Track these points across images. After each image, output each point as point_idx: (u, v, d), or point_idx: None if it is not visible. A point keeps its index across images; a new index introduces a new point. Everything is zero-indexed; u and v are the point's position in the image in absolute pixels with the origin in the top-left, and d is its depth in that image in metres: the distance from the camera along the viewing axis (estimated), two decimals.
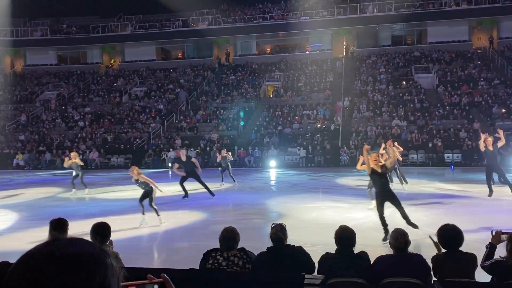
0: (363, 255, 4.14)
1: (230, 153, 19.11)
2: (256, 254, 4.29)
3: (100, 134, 31.53)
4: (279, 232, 4.30)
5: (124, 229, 9.24)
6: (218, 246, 4.28)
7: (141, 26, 40.28)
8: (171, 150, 28.09)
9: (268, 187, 17.54)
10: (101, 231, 4.50)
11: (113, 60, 42.67)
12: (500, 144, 12.52)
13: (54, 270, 0.86)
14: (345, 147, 26.51)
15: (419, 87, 31.82)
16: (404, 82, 32.74)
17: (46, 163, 29.00)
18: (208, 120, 31.83)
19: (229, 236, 4.21)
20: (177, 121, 32.47)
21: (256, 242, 7.38)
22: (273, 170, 24.85)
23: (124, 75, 39.85)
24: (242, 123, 30.52)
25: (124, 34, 40.45)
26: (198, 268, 4.09)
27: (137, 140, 30.32)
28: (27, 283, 0.86)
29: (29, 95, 38.47)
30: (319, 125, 29.28)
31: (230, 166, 17.70)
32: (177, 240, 8.69)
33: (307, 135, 28.17)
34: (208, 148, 28.28)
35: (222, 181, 17.40)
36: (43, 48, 41.80)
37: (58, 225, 4.62)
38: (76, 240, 0.94)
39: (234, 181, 17.23)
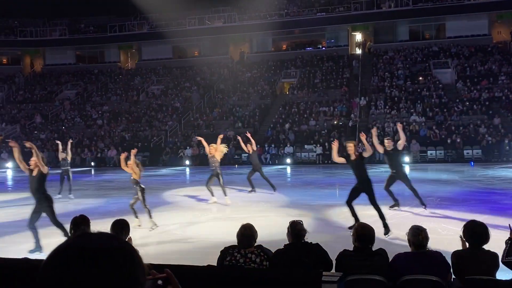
0: (381, 252, 4.10)
1: (223, 146, 13.74)
2: (273, 251, 4.30)
3: (118, 132, 31.89)
4: (296, 229, 4.29)
5: (142, 226, 9.33)
6: (235, 243, 4.29)
7: (158, 24, 40.51)
8: (188, 147, 28.26)
9: (284, 184, 17.51)
10: (121, 227, 4.56)
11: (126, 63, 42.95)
12: (400, 143, 10.72)
13: (86, 263, 0.88)
14: (363, 144, 26.30)
15: (437, 82, 31.37)
16: (422, 78, 32.32)
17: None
18: (224, 118, 31.91)
19: (247, 233, 4.22)
20: (193, 119, 32.64)
21: (273, 240, 7.39)
22: (289, 167, 24.81)
23: (141, 73, 40.18)
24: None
25: (140, 33, 40.76)
26: (215, 264, 4.11)
27: (155, 138, 30.58)
28: (60, 277, 0.87)
29: (49, 94, 39.09)
30: (335, 122, 29.11)
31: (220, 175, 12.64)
32: (194, 236, 8.74)
33: (323, 132, 28.03)
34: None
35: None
36: (61, 48, 42.36)
37: (81, 222, 4.70)
38: (105, 235, 0.97)
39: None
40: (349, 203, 8.44)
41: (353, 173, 8.76)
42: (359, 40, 39.01)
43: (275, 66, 37.49)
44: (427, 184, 16.24)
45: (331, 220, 9.83)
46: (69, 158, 13.75)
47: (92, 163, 28.32)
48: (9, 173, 25.88)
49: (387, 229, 8.08)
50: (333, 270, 4.06)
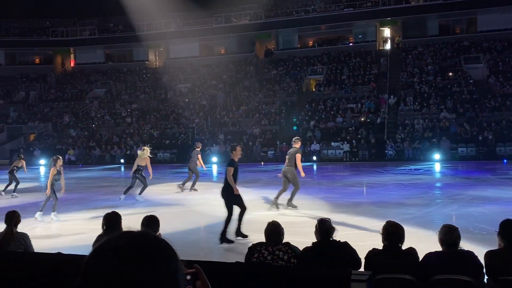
0: (411, 251, 4.04)
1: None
2: (300, 249, 4.29)
3: (146, 129, 32.39)
4: (324, 227, 4.26)
5: (171, 222, 9.44)
6: (262, 240, 4.30)
7: (185, 23, 40.85)
8: (214, 145, 28.45)
9: (311, 182, 17.42)
10: (151, 224, 4.63)
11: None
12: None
13: (131, 262, 0.89)
14: (391, 141, 25.93)
15: (468, 78, 30.60)
16: (452, 73, 31.58)
17: (95, 158, 30.13)
18: (250, 115, 31.97)
19: (275, 231, 4.23)
20: (219, 117, 32.83)
21: (300, 237, 7.37)
22: (316, 164, 24.67)
23: (169, 72, 40.64)
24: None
25: (168, 31, 41.18)
26: (243, 261, 4.13)
27: (182, 135, 30.91)
28: (105, 275, 0.88)
29: (79, 93, 39.99)
30: (363, 119, 28.75)
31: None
32: (219, 233, 8.78)
33: (350, 129, 27.75)
34: (250, 143, 28.43)
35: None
36: (91, 47, 43.24)
37: (113, 218, 4.80)
38: (147, 234, 0.97)
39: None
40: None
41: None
42: (387, 36, 38.38)
43: (301, 63, 37.30)
44: (458, 182, 15.90)
45: (359, 218, 9.72)
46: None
47: (122, 160, 28.82)
48: (42, 170, 26.62)
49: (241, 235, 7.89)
50: (361, 269, 4.03)
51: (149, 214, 4.88)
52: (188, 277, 1.14)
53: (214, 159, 26.85)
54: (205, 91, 36.25)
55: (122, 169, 25.82)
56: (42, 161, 28.87)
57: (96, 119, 35.37)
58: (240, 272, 3.15)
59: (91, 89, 40.25)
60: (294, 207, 10.67)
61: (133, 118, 34.37)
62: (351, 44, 38.82)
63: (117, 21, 44.72)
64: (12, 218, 5.11)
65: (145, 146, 13.71)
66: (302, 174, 10.64)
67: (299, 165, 10.56)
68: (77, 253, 4.04)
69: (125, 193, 12.58)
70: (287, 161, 10.61)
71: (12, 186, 14.58)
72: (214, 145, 28.50)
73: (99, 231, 5.00)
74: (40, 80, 42.41)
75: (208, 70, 39.69)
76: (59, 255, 4.05)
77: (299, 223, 9.09)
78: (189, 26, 40.34)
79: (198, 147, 15.14)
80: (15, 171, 14.73)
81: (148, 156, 12.64)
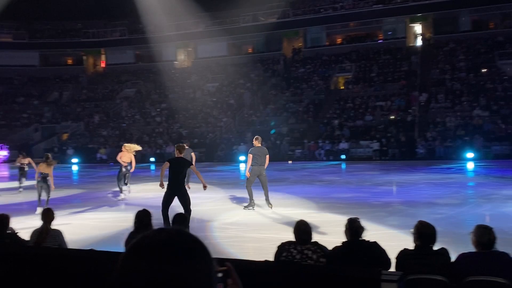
0: (443, 251, 3.96)
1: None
2: (329, 248, 4.26)
3: (175, 129, 32.80)
4: (354, 226, 4.22)
5: (201, 219, 9.53)
6: (290, 239, 4.29)
7: (213, 23, 41.11)
8: (241, 143, 28.56)
9: (339, 181, 17.28)
10: (181, 221, 4.70)
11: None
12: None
13: (168, 259, 0.90)
14: (422, 139, 25.43)
15: (502, 74, 29.68)
16: (485, 69, 30.69)
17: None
18: (277, 114, 31.93)
19: (304, 229, 4.21)
20: (247, 115, 32.91)
21: (328, 237, 7.33)
22: (345, 163, 24.44)
23: (197, 71, 41.01)
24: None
25: (196, 31, 41.54)
26: (272, 260, 4.14)
27: (210, 134, 31.15)
28: (141, 272, 0.89)
29: (110, 93, 40.82)
30: (393, 117, 28.28)
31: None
32: (249, 232, 8.82)
33: (380, 127, 27.35)
34: (278, 142, 28.39)
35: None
36: (121, 47, 44.06)
37: (145, 216, 4.90)
38: (182, 231, 0.99)
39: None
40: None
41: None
42: (417, 32, 37.63)
43: (329, 61, 37.00)
44: (492, 181, 15.47)
45: (388, 218, 9.58)
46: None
47: (152, 159, 29.28)
48: (75, 168, 27.32)
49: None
50: (391, 269, 3.97)
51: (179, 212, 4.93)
52: (220, 274, 1.16)
53: (242, 157, 26.94)
54: (233, 90, 36.41)
55: (152, 167, 26.22)
56: (75, 160, 29.64)
57: (126, 119, 36.04)
58: (269, 270, 3.16)
59: (122, 89, 41.01)
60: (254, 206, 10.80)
61: (162, 117, 34.86)
62: (380, 41, 38.23)
63: (146, 22, 45.39)
64: (47, 215, 5.28)
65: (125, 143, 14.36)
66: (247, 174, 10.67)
67: (267, 163, 10.61)
68: (109, 250, 4.13)
69: (121, 191, 13.26)
70: (260, 159, 10.45)
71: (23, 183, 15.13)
72: (241, 144, 28.60)
73: (130, 228, 5.09)
74: (73, 80, 43.51)
75: (235, 69, 39.84)
76: (91, 251, 4.15)
77: (328, 222, 9.03)
78: (217, 25, 40.57)
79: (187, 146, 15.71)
80: (24, 168, 15.26)
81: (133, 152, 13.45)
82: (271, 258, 4.26)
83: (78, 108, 39.36)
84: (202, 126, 32.44)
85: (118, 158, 13.40)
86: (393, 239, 7.15)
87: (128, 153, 13.31)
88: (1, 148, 32.18)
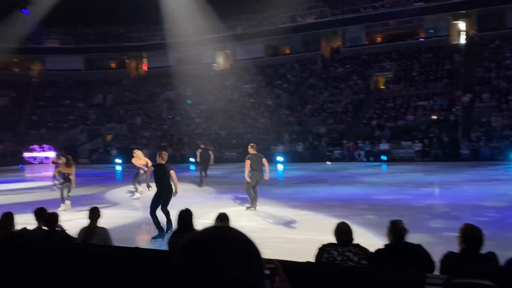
0: (491, 255, 3.83)
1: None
2: (371, 250, 4.21)
3: (214, 130, 33.20)
4: (397, 229, 4.15)
5: (239, 220, 9.60)
6: (330, 241, 4.27)
7: (250, 24, 41.33)
8: (279, 144, 28.56)
9: (380, 183, 16.97)
10: (224, 219, 4.79)
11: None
12: None
13: (223, 253, 0.94)
14: (466, 140, 24.62)
15: None
16: None
17: (168, 158, 31.33)
18: (315, 114, 31.72)
19: (345, 231, 4.18)
20: (284, 116, 32.87)
21: (369, 239, 7.22)
22: (385, 164, 23.99)
23: (235, 73, 41.33)
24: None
25: (234, 34, 41.86)
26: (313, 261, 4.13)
27: (248, 135, 31.32)
28: (200, 265, 0.94)
29: (151, 95, 41.78)
30: (435, 116, 27.52)
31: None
32: (287, 233, 8.82)
33: (421, 127, 26.68)
34: (316, 142, 28.21)
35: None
36: (162, 51, 44.90)
37: (187, 215, 5.02)
38: (234, 229, 1.04)
39: None
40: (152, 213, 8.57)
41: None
42: (461, 29, 36.44)
43: (369, 60, 36.42)
44: None
45: (431, 221, 9.34)
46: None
47: (192, 159, 29.70)
48: (118, 168, 28.11)
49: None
50: (435, 272, 3.88)
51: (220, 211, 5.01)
52: (267, 272, 1.18)
53: (280, 158, 26.94)
54: (270, 91, 36.47)
55: (192, 167, 26.61)
56: (118, 160, 30.50)
57: (167, 120, 36.78)
58: (310, 271, 3.16)
59: (163, 92, 41.86)
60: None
61: (201, 119, 35.36)
62: (421, 39, 37.27)
63: (186, 25, 46.16)
64: (94, 213, 5.49)
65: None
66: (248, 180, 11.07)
67: (267, 167, 11.23)
68: (152, 248, 4.24)
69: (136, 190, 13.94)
70: (259, 165, 11.07)
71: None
72: (279, 144, 28.60)
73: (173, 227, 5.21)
74: (116, 84, 44.80)
75: (273, 70, 39.90)
76: (136, 249, 4.27)
77: (369, 224, 8.90)
78: (254, 27, 40.75)
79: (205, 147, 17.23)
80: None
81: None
82: (311, 259, 4.26)
83: (121, 111, 40.50)
84: (240, 127, 32.66)
85: (133, 161, 14.10)
86: (436, 242, 6.97)
87: (140, 159, 13.93)
88: (48, 149, 33.52)
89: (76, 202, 12.07)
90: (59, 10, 36.85)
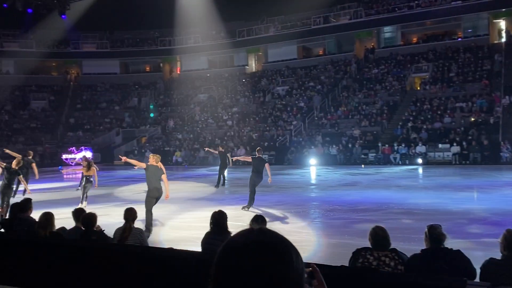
0: None
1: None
2: (408, 256, 4.09)
3: (246, 132, 33.30)
4: (435, 234, 4.03)
5: (273, 223, 9.57)
6: (364, 245, 4.18)
7: (283, 26, 41.28)
8: (312, 147, 28.35)
9: (416, 187, 16.58)
10: (261, 221, 4.80)
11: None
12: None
13: (264, 255, 0.94)
14: (507, 143, 23.75)
15: None
16: None
17: (200, 160, 31.68)
18: (349, 116, 31.32)
19: (381, 235, 4.09)
20: (317, 118, 32.63)
21: (405, 244, 7.05)
22: (421, 167, 23.43)
23: (267, 75, 41.37)
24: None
25: (267, 35, 41.92)
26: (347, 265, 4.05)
27: (280, 137, 31.25)
28: (241, 267, 0.94)
29: (185, 98, 42.34)
30: (474, 118, 26.68)
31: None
32: (321, 236, 8.73)
33: (459, 130, 25.93)
34: (350, 145, 27.85)
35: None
36: (195, 54, 45.51)
37: (220, 217, 5.04)
38: (274, 232, 1.04)
39: None
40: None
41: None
42: (502, 28, 35.23)
43: (404, 61, 35.71)
44: None
45: (470, 226, 9.04)
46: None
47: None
48: None
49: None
50: (476, 279, 3.74)
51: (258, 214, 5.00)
52: (305, 275, 1.16)
53: (312, 161, 26.75)
54: (303, 93, 36.28)
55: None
56: None
57: (200, 123, 37.17)
58: (346, 276, 3.10)
59: (196, 94, 42.35)
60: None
61: (233, 121, 35.54)
62: (459, 39, 36.25)
63: (219, 28, 46.58)
64: (130, 214, 5.57)
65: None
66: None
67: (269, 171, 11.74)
68: (187, 249, 4.27)
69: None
70: (261, 168, 11.75)
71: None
72: (312, 147, 28.39)
73: (206, 228, 5.23)
74: (151, 87, 45.64)
75: (305, 71, 39.70)
76: (171, 250, 4.31)
77: (406, 228, 8.70)
78: (287, 29, 40.68)
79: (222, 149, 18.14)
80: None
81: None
82: (345, 263, 4.18)
83: (156, 113, 41.22)
84: (272, 129, 32.63)
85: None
86: (475, 248, 6.75)
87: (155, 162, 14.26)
88: (84, 150, 34.38)
89: (103, 200, 12.30)
90: (96, 15, 37.91)
